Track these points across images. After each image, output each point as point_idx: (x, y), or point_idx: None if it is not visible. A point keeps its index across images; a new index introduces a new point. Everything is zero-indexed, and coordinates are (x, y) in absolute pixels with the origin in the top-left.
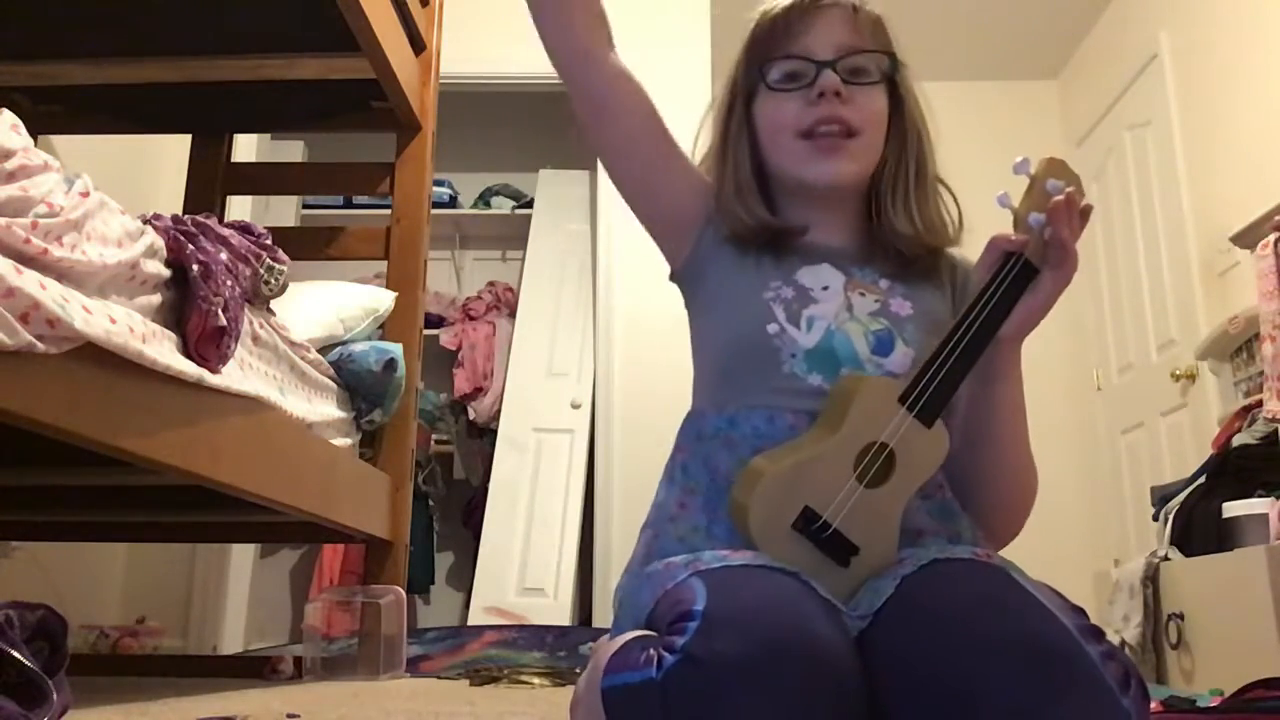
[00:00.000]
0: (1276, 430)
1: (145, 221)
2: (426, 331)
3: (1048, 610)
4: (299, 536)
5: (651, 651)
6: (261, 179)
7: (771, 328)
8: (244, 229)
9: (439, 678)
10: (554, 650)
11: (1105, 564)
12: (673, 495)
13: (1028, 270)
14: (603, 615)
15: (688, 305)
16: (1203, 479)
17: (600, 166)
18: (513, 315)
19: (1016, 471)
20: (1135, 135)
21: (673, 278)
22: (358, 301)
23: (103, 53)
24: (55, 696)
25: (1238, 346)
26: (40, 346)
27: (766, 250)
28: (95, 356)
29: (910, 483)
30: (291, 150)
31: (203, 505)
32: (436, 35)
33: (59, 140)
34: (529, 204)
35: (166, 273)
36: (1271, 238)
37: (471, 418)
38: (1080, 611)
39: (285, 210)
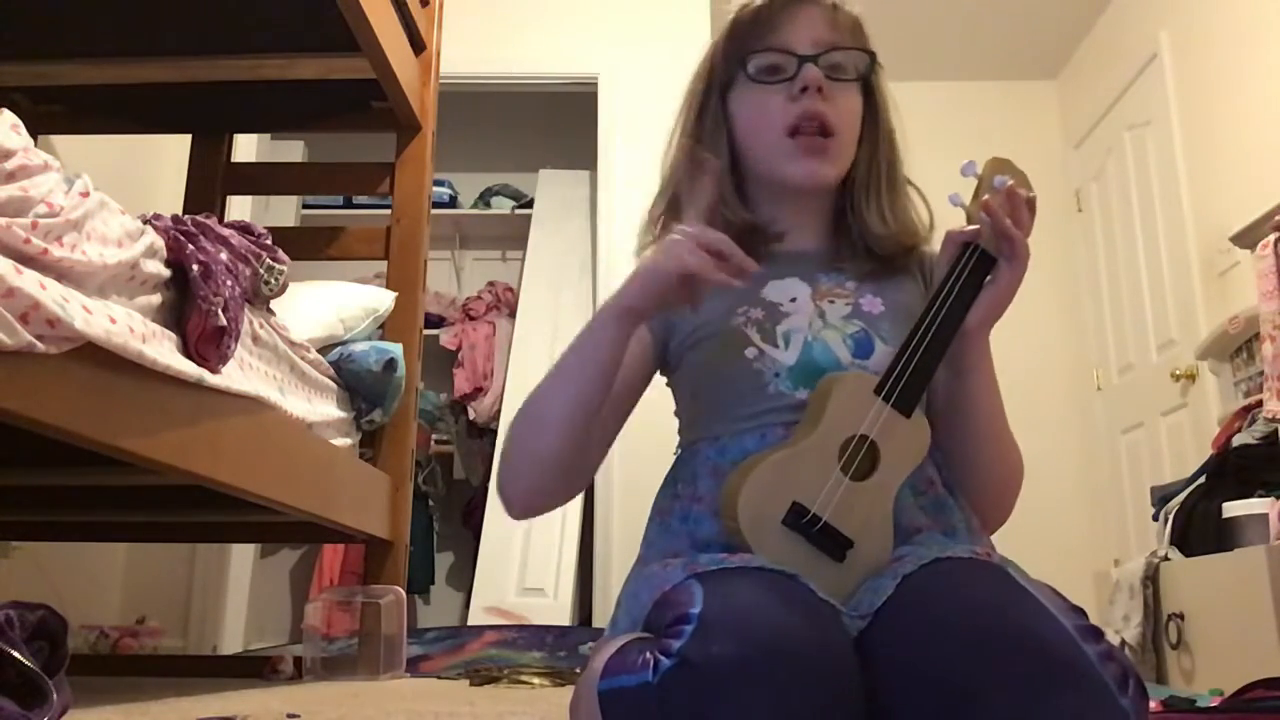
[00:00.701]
0: (1276, 430)
1: (145, 221)
2: (426, 331)
3: (1047, 611)
4: (299, 536)
5: (648, 655)
6: (261, 179)
7: (750, 352)
8: (244, 229)
9: (439, 678)
10: (554, 650)
11: (1105, 564)
12: (661, 548)
13: (985, 261)
14: (603, 615)
15: (665, 371)
16: (1203, 479)
17: (600, 166)
18: (513, 315)
19: (999, 456)
20: (1135, 135)
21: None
22: (358, 301)
23: (103, 53)
24: (55, 696)
25: (1238, 346)
26: (40, 346)
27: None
28: (95, 356)
29: (897, 474)
30: (291, 150)
31: (203, 505)
32: (436, 35)
33: (59, 140)
34: (529, 204)
35: (166, 273)
36: (1271, 238)
37: (471, 418)
38: (1079, 612)
39: (285, 210)
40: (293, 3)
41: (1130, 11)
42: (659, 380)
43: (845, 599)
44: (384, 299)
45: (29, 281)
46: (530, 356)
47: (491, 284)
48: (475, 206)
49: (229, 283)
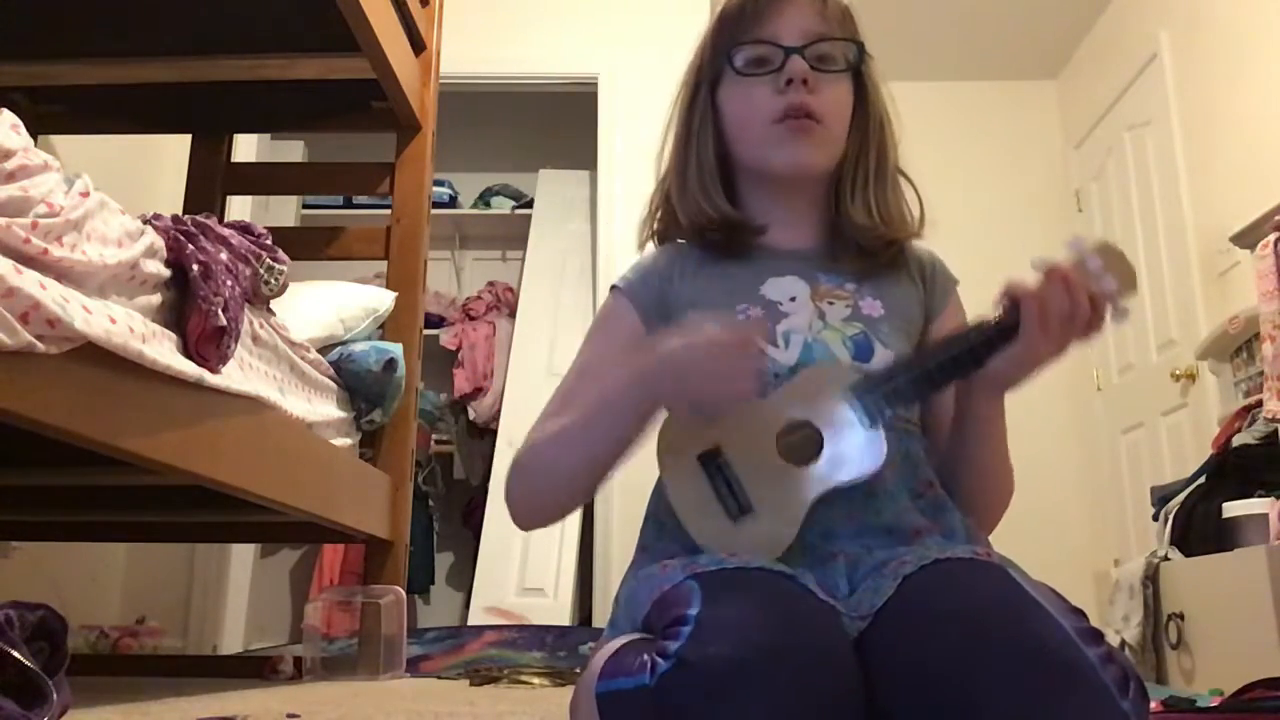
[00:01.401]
0: (1276, 430)
1: (145, 221)
2: (426, 331)
3: (1047, 613)
4: (299, 536)
5: (645, 657)
6: (261, 179)
7: None
8: (244, 229)
9: (439, 678)
10: (554, 650)
11: (1105, 564)
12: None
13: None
14: (602, 615)
15: None
16: (1203, 479)
17: (600, 166)
18: (513, 315)
19: (992, 488)
20: (1135, 135)
21: None
22: (358, 301)
23: (103, 53)
24: (55, 696)
25: (1238, 346)
26: (40, 346)
27: (729, 257)
28: (95, 356)
29: (833, 476)
30: (291, 150)
31: (203, 505)
32: (436, 35)
33: (59, 140)
34: (529, 204)
35: (166, 273)
36: (1271, 238)
37: (471, 418)
38: (1080, 614)
39: (285, 210)
40: (293, 3)
41: (1130, 11)
42: None
43: (721, 555)
44: (384, 299)
45: (29, 281)
46: (530, 356)
47: (491, 284)
48: (475, 206)
49: (229, 283)
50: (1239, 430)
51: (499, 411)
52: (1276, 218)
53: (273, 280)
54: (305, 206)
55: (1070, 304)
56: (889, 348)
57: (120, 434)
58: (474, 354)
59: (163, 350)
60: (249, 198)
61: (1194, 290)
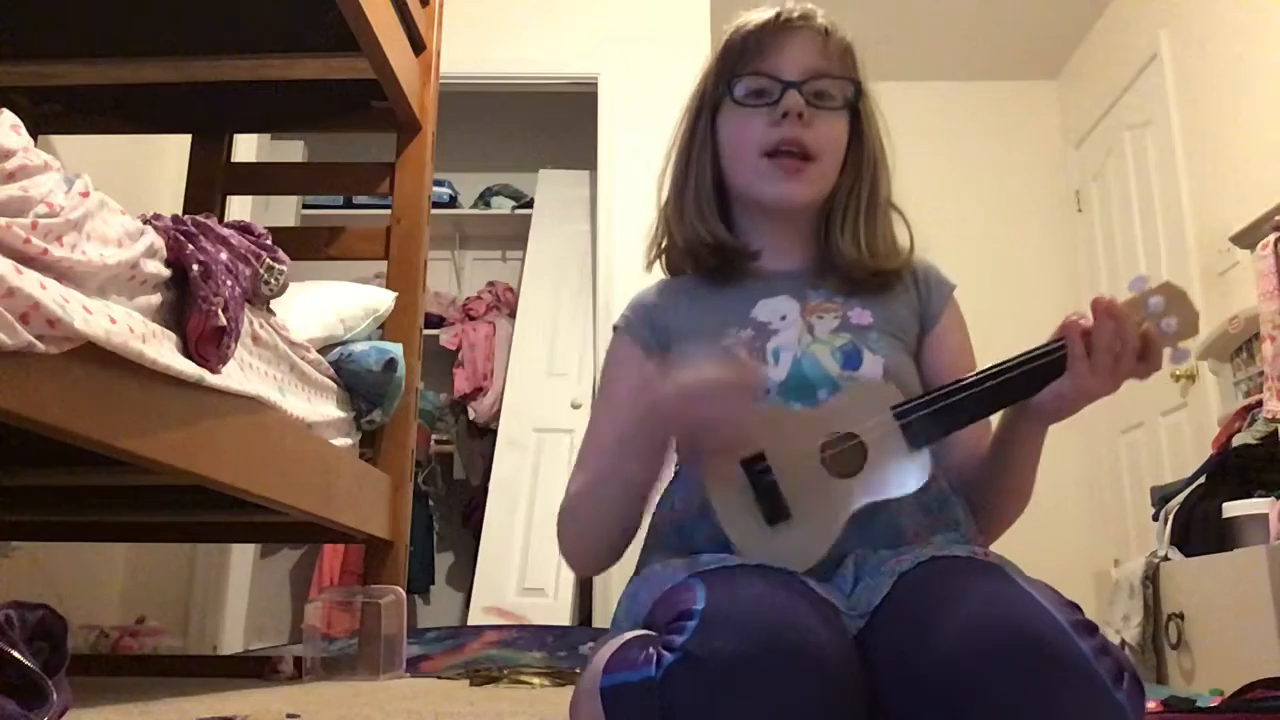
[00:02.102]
0: (1276, 430)
1: (145, 221)
2: (426, 331)
3: (1042, 606)
4: (299, 536)
5: (650, 650)
6: (261, 179)
7: None
8: (244, 229)
9: (439, 678)
10: (554, 650)
11: (1105, 564)
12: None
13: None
14: (603, 615)
15: None
16: (1203, 479)
17: (600, 166)
18: (513, 315)
19: (1014, 506)
20: (1135, 135)
21: None
22: (358, 301)
23: (103, 53)
24: (55, 696)
25: (1238, 346)
26: (40, 346)
27: (723, 282)
28: (95, 356)
29: (873, 491)
30: (291, 150)
31: (203, 505)
32: (436, 35)
33: (59, 140)
34: (529, 204)
35: (166, 273)
36: (1271, 238)
37: (471, 418)
38: (1075, 607)
39: (285, 210)
40: (293, 3)
41: (1130, 11)
42: None
43: (754, 560)
44: (384, 299)
45: (29, 281)
46: (530, 356)
47: (491, 284)
48: (475, 206)
49: (229, 283)
50: (1239, 430)
51: (499, 411)
52: (1276, 218)
53: (273, 280)
54: (305, 206)
55: (1119, 341)
56: (878, 355)
57: (120, 434)
58: (474, 354)
59: (163, 350)
60: (249, 198)
61: (1194, 290)
